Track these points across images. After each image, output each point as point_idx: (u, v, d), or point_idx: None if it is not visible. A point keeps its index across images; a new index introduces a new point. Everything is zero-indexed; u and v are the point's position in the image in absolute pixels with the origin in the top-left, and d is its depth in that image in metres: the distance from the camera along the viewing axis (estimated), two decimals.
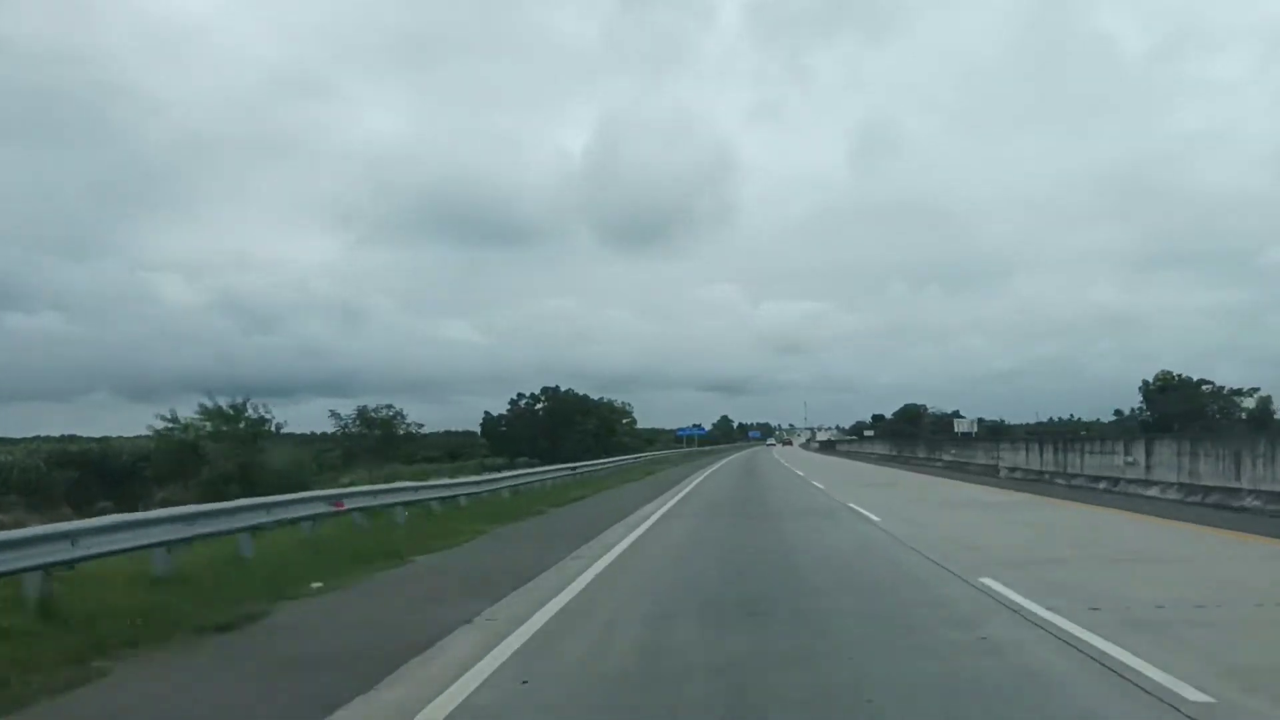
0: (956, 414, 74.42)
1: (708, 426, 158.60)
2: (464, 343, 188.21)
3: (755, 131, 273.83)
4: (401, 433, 64.75)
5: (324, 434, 71.00)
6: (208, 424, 41.99)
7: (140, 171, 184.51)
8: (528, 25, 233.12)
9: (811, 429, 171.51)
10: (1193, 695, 4.98)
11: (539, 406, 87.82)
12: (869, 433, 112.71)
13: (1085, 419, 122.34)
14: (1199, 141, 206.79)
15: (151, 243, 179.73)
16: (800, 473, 38.48)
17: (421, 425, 68.72)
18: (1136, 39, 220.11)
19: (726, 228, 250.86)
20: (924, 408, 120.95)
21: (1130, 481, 20.84)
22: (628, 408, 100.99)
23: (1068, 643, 6.30)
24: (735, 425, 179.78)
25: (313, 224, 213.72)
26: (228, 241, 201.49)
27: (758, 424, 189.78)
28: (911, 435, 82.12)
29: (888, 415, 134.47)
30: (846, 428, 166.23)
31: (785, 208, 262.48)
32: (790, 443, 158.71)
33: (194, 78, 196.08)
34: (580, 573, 10.09)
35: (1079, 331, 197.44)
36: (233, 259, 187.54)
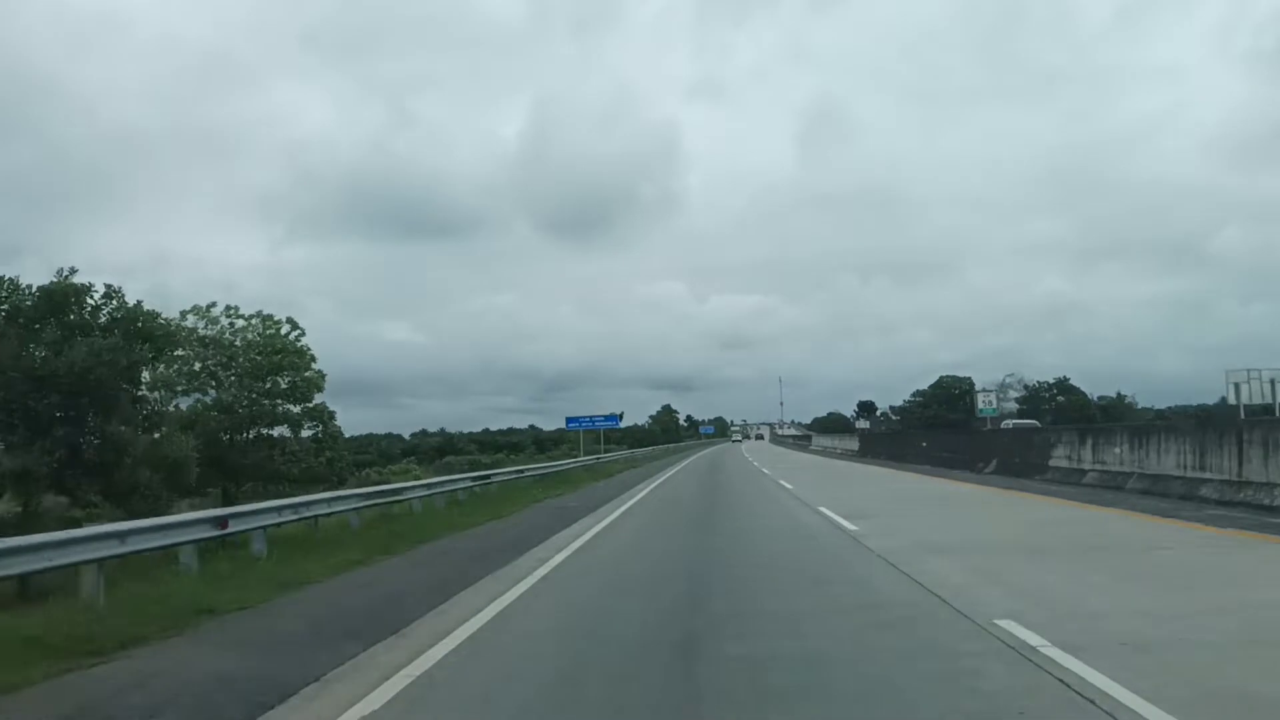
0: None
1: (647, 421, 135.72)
2: (404, 343, 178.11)
3: (696, 112, 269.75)
4: None
5: None
6: None
7: (59, 167, 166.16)
8: (454, 4, 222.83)
9: (770, 424, 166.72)
10: None
11: None
12: (862, 423, 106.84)
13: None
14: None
15: (76, 243, 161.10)
16: None
17: None
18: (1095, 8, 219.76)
19: (669, 217, 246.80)
20: (970, 381, 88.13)
21: None
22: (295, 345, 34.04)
23: None
24: (684, 419, 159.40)
25: (241, 221, 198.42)
26: (153, 240, 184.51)
27: (711, 419, 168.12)
28: (951, 426, 68.54)
29: (881, 404, 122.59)
30: (806, 423, 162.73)
31: (730, 195, 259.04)
32: (763, 436, 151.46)
33: (113, 70, 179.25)
34: None
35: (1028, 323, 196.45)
36: (159, 257, 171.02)
